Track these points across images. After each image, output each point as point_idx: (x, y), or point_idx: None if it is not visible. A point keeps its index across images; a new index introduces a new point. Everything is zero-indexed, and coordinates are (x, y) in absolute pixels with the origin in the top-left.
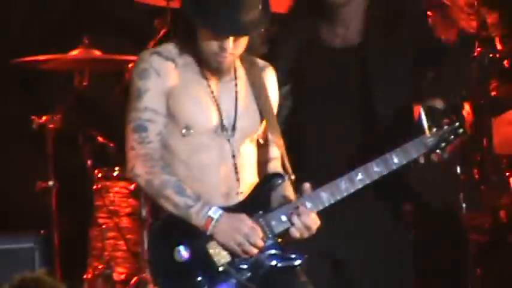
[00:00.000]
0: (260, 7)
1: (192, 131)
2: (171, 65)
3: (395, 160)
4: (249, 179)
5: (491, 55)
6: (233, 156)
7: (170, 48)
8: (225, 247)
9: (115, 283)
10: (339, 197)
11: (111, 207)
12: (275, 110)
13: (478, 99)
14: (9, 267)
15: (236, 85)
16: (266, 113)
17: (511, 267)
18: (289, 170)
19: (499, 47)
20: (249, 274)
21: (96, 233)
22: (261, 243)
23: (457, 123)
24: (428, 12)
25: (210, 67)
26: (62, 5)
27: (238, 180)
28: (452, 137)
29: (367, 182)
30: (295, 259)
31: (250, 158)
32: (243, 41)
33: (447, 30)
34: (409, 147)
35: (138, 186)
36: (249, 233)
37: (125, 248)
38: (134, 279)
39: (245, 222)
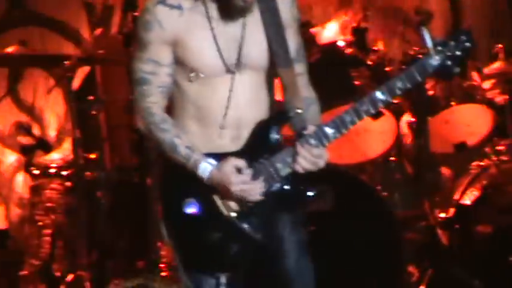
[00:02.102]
0: None
1: (200, 74)
2: (176, 12)
3: (400, 85)
4: (256, 114)
5: None
6: (238, 93)
7: None
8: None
9: (51, 280)
10: (344, 130)
11: (48, 204)
12: (291, 32)
13: (415, 99)
14: None
15: (244, 19)
16: (276, 43)
17: (444, 266)
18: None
19: None
20: (254, 220)
21: (32, 231)
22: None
23: (464, 37)
24: None
25: (234, 7)
26: None
27: (240, 117)
28: (459, 52)
29: (372, 111)
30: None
31: (259, 93)
32: None
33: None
34: (414, 69)
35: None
36: (236, 189)
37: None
38: (71, 276)
39: (240, 179)
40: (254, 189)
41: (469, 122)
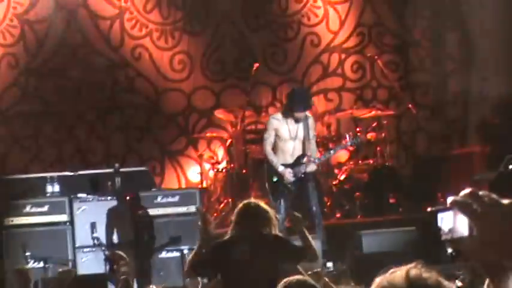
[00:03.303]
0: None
1: (282, 139)
2: (276, 121)
3: (331, 151)
4: (299, 152)
5: None
6: (294, 145)
7: (278, 114)
8: (285, 177)
9: None
10: (322, 161)
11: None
12: (312, 132)
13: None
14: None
15: (297, 124)
16: (307, 133)
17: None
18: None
19: None
20: (294, 185)
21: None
22: (292, 177)
23: (360, 139)
24: None
25: (296, 119)
26: None
27: (293, 154)
28: (357, 142)
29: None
30: (307, 177)
31: (300, 145)
32: None
33: None
34: (337, 146)
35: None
36: (288, 175)
37: None
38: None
39: (288, 171)
40: (289, 179)
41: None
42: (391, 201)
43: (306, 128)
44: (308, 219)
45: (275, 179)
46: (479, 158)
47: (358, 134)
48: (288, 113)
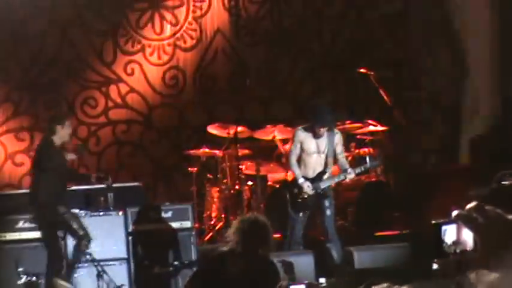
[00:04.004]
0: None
1: (307, 152)
2: (303, 133)
3: (357, 171)
4: (320, 167)
5: None
6: (318, 159)
7: (301, 127)
8: (304, 190)
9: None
10: (332, 182)
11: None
12: (339, 148)
13: None
14: None
15: (323, 138)
16: (332, 149)
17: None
18: (347, 165)
19: None
20: (313, 199)
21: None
22: (311, 191)
23: (377, 161)
24: None
25: (316, 134)
26: None
27: (315, 167)
28: (376, 165)
29: (341, 179)
30: (325, 193)
31: (322, 159)
32: None
33: None
34: (357, 167)
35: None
36: (306, 188)
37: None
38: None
39: (307, 184)
40: (308, 192)
41: None
42: (384, 217)
43: (332, 144)
44: (322, 233)
45: (295, 191)
46: (472, 174)
47: (376, 157)
48: (310, 127)
